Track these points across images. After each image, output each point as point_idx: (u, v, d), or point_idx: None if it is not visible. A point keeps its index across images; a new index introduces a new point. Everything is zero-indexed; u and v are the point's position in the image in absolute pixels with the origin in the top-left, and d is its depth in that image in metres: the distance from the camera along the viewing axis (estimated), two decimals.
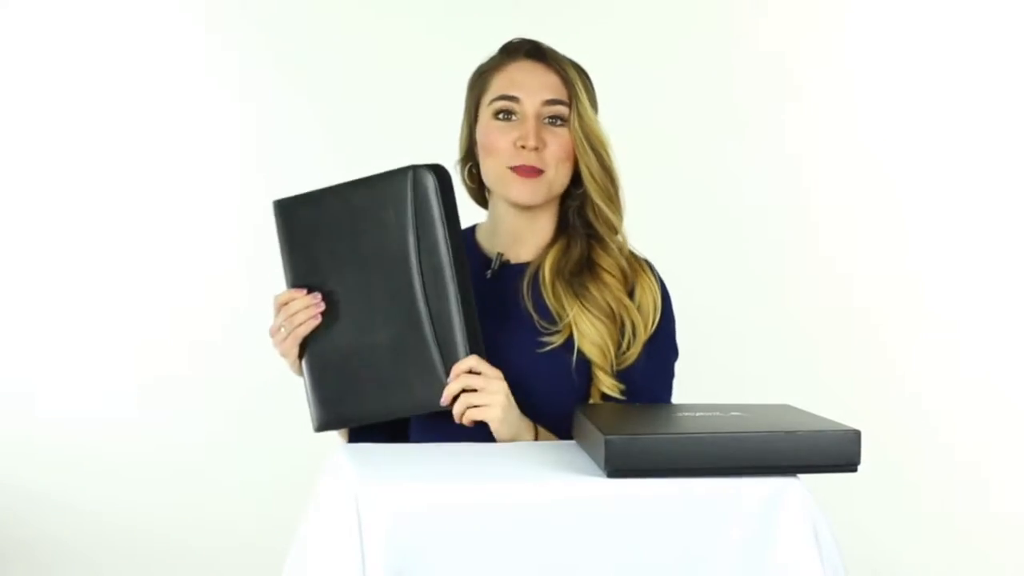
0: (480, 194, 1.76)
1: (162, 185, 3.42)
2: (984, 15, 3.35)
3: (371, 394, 1.55)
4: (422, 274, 1.54)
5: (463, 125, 1.74)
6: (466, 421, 1.53)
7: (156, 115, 3.41)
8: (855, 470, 1.28)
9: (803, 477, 1.27)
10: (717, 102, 3.40)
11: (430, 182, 1.53)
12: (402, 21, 3.40)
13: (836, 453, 1.27)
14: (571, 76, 1.66)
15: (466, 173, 1.75)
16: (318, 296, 1.57)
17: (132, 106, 3.41)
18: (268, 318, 1.62)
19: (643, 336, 1.64)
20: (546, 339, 1.63)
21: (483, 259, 1.72)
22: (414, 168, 1.54)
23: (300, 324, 1.56)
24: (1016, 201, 3.36)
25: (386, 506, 1.20)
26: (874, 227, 3.39)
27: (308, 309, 1.56)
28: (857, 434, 1.27)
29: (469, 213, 1.80)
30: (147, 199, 3.42)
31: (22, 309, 3.41)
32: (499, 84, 1.67)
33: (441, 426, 1.57)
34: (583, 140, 1.64)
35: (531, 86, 1.65)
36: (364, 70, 3.40)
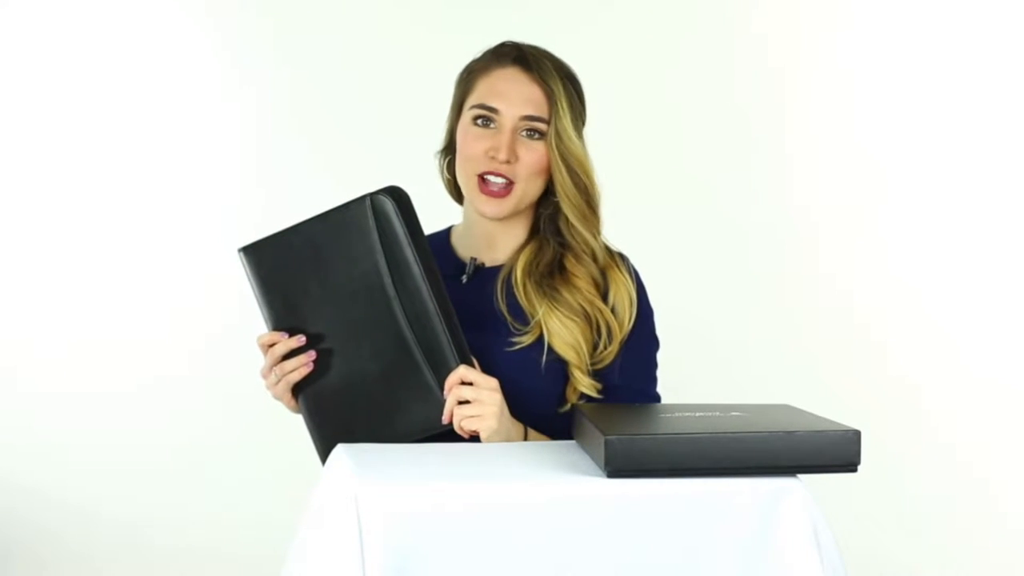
0: (456, 187, 1.73)
1: (161, 184, 3.42)
2: (989, 19, 3.35)
3: (373, 425, 1.55)
4: (400, 299, 1.53)
5: (449, 117, 1.72)
6: (464, 433, 1.53)
7: (157, 114, 3.41)
8: (855, 470, 1.27)
9: (803, 477, 1.27)
10: (717, 102, 3.40)
11: (389, 207, 1.52)
12: (401, 18, 3.40)
13: (836, 453, 1.26)
14: (555, 91, 1.63)
15: (445, 164, 1.74)
16: (302, 339, 1.56)
17: (134, 106, 3.41)
18: None
19: (620, 336, 1.63)
20: (516, 339, 1.62)
21: (458, 263, 1.72)
22: (371, 196, 1.53)
23: (292, 371, 1.56)
24: (1015, 201, 3.36)
25: (385, 506, 1.20)
26: (874, 227, 3.39)
27: (299, 357, 1.56)
28: (857, 434, 1.27)
29: (448, 213, 1.79)
30: (146, 198, 3.42)
31: (21, 309, 3.41)
32: (482, 90, 1.65)
33: None
34: (559, 159, 1.62)
35: (512, 98, 1.62)
36: (363, 68, 3.40)
